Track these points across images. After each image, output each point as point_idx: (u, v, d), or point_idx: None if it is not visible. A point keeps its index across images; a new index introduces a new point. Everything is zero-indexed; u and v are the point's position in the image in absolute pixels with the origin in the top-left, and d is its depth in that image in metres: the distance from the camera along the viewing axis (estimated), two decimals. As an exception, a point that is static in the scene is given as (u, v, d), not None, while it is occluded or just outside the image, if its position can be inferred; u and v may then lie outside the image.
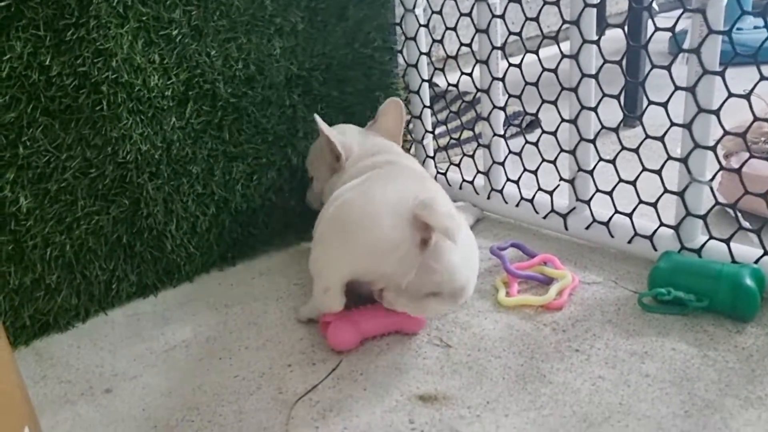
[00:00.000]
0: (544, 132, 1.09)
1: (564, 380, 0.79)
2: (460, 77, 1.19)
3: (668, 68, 0.90)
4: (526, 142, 1.13)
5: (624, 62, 0.98)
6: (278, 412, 0.78)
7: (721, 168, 0.91)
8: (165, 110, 1.05)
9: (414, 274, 0.79)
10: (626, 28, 0.97)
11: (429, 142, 1.33)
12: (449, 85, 1.22)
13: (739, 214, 0.94)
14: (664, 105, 0.92)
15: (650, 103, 0.93)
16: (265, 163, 1.17)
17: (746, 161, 0.88)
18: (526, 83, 1.07)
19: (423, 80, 1.28)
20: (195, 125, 1.09)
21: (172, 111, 1.06)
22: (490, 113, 1.16)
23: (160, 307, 1.04)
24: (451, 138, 1.37)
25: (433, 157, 1.33)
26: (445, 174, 1.30)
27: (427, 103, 1.30)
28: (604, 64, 0.97)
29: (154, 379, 0.87)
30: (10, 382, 0.56)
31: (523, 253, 1.06)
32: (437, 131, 1.35)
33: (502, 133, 1.17)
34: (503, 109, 1.15)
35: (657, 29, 0.90)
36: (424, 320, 0.90)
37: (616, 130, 1.00)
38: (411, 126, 1.34)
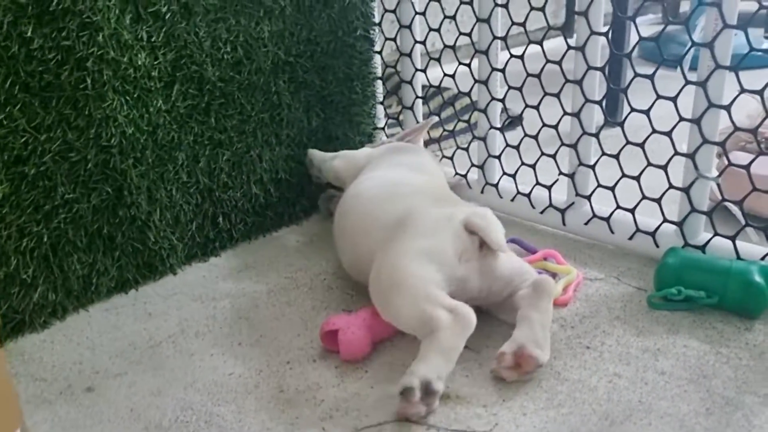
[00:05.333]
0: (544, 125, 1.07)
1: (579, 377, 0.76)
2: (456, 68, 1.16)
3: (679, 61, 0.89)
4: (525, 135, 1.11)
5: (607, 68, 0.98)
6: (281, 412, 0.73)
7: (729, 164, 0.90)
8: (151, 91, 0.98)
9: (482, 275, 0.81)
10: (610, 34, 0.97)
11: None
12: (445, 75, 1.19)
13: (741, 211, 0.93)
14: (673, 99, 0.90)
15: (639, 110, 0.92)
16: (249, 151, 1.12)
17: (754, 159, 0.87)
18: (528, 75, 1.05)
19: (417, 70, 1.24)
20: (181, 109, 1.03)
21: (159, 93, 1.00)
22: (487, 105, 1.13)
23: (141, 302, 0.97)
24: (444, 130, 1.33)
25: None
26: (436, 168, 1.26)
27: (420, 94, 1.27)
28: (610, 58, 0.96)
29: (140, 377, 0.81)
30: (3, 383, 0.50)
31: (522, 249, 1.04)
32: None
33: (498, 125, 1.15)
34: (502, 101, 1.13)
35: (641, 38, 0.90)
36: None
37: (621, 124, 0.98)
38: (401, 117, 1.30)
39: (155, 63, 0.98)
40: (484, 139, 1.16)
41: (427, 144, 1.29)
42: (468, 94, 1.18)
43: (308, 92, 1.19)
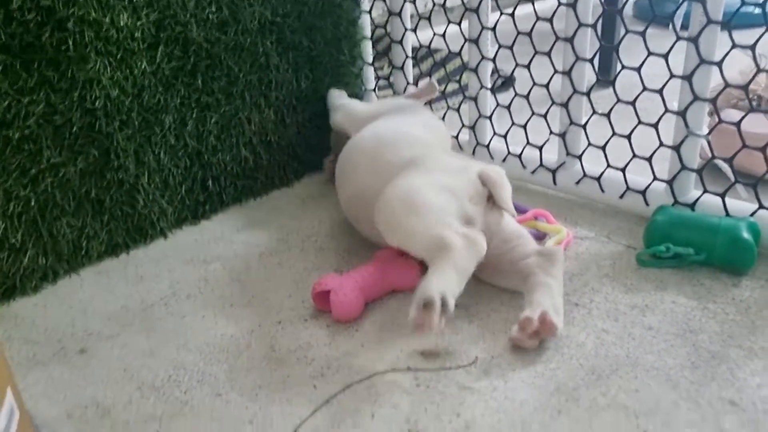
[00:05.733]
0: (535, 84, 1.06)
1: (568, 334, 0.77)
2: (446, 27, 1.15)
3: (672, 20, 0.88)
4: (516, 94, 1.10)
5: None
6: (272, 371, 0.74)
7: (720, 121, 0.90)
8: (135, 53, 0.97)
9: (486, 223, 0.82)
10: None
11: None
12: (435, 35, 1.17)
13: (731, 168, 0.93)
14: (665, 56, 0.89)
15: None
16: (237, 113, 1.11)
17: (744, 116, 0.87)
18: (519, 33, 1.04)
19: (407, 29, 1.22)
20: (166, 71, 1.01)
21: (143, 54, 0.98)
22: (477, 65, 1.12)
23: (132, 265, 0.97)
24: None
25: None
26: (427, 129, 1.25)
27: (410, 54, 1.25)
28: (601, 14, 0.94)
29: (133, 339, 0.81)
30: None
31: (513, 209, 1.04)
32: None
33: (489, 85, 1.13)
34: (493, 60, 1.12)
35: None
36: (417, 273, 0.86)
37: (612, 83, 0.97)
38: (392, 79, 1.29)
39: (138, 24, 0.96)
40: (475, 100, 1.15)
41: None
42: (459, 55, 1.16)
43: (296, 53, 1.17)
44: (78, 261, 0.98)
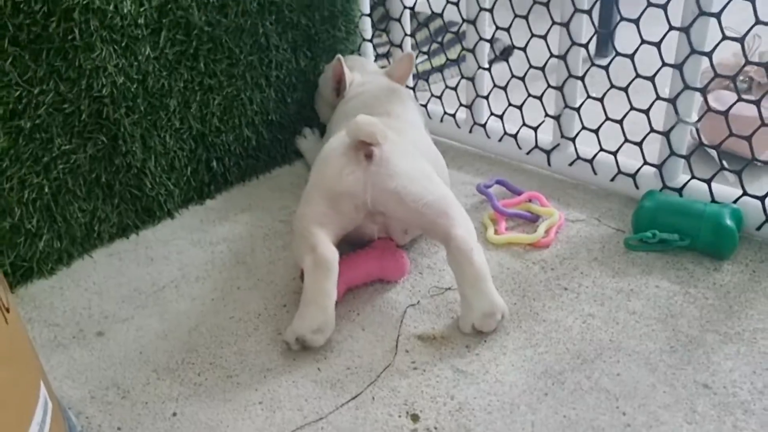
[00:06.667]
0: (531, 67, 1.08)
1: (556, 318, 0.82)
2: (445, 6, 1.16)
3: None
4: (512, 76, 1.12)
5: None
6: (279, 354, 0.79)
7: (709, 109, 0.93)
8: (139, 39, 0.99)
9: (372, 186, 0.82)
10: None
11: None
12: (432, 13, 1.18)
13: (718, 155, 0.96)
14: (657, 45, 0.92)
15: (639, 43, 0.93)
16: (239, 94, 1.14)
17: (732, 105, 0.89)
18: (516, 16, 1.05)
19: (405, 7, 1.23)
20: (170, 56, 1.03)
21: (147, 40, 1.00)
22: (475, 45, 1.14)
23: (142, 246, 1.01)
24: (432, 68, 1.34)
25: (413, 88, 1.31)
26: (425, 106, 1.28)
27: (408, 32, 1.26)
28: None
29: (146, 321, 0.86)
30: (25, 339, 0.55)
31: (507, 190, 1.07)
32: (419, 60, 1.32)
33: (486, 65, 1.16)
34: (490, 41, 1.13)
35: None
36: (405, 268, 0.90)
37: (606, 68, 1.00)
38: (390, 54, 1.30)
39: (141, 10, 0.98)
40: (472, 80, 1.17)
41: (415, 78, 1.29)
42: (457, 33, 1.18)
43: (295, 32, 1.19)
44: (90, 243, 1.03)
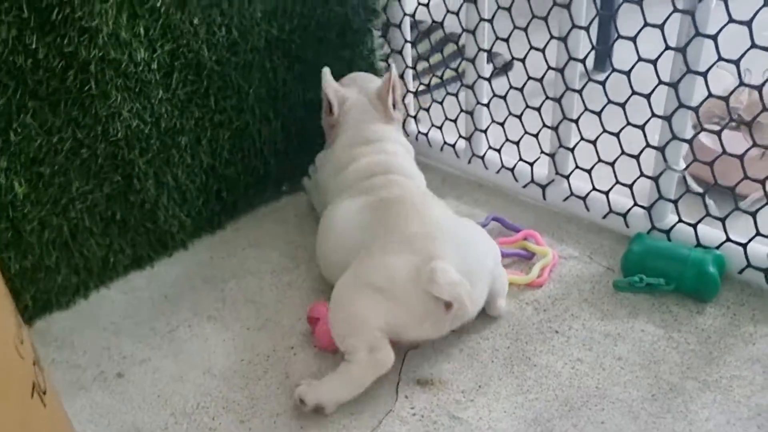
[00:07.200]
0: (528, 107, 1.12)
1: (546, 363, 0.88)
2: (445, 15, 1.18)
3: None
4: (510, 114, 1.16)
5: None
6: (287, 398, 0.85)
7: (695, 160, 0.97)
8: (152, 83, 1.03)
9: (450, 323, 0.87)
10: None
11: (410, 101, 1.34)
12: (433, 22, 1.21)
13: (703, 195, 1.00)
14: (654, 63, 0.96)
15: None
16: (248, 127, 1.18)
17: (719, 156, 0.93)
18: (515, 27, 1.07)
19: (405, 14, 1.25)
20: (181, 96, 1.08)
21: (159, 83, 1.04)
22: (475, 56, 1.15)
23: (156, 283, 1.07)
24: (433, 75, 1.35)
25: (415, 93, 1.34)
26: (426, 135, 1.32)
27: (409, 38, 1.28)
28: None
29: (162, 363, 0.92)
30: (63, 419, 0.60)
31: (503, 227, 1.12)
32: (419, 68, 1.33)
33: (486, 75, 1.17)
34: (488, 52, 1.15)
35: None
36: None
37: (599, 114, 1.04)
38: (391, 60, 1.32)
39: (153, 56, 1.02)
40: (471, 114, 1.21)
41: (417, 93, 1.32)
42: (456, 42, 1.20)
43: (302, 66, 1.23)
44: (106, 275, 1.08)
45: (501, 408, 0.82)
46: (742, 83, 0.91)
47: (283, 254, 1.11)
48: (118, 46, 0.97)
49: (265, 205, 1.24)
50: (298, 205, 1.24)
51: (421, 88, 1.33)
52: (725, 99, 0.93)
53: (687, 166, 1.00)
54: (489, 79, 1.18)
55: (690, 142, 0.96)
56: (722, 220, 0.97)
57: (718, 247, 0.97)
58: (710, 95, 0.92)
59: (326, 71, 1.12)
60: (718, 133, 0.92)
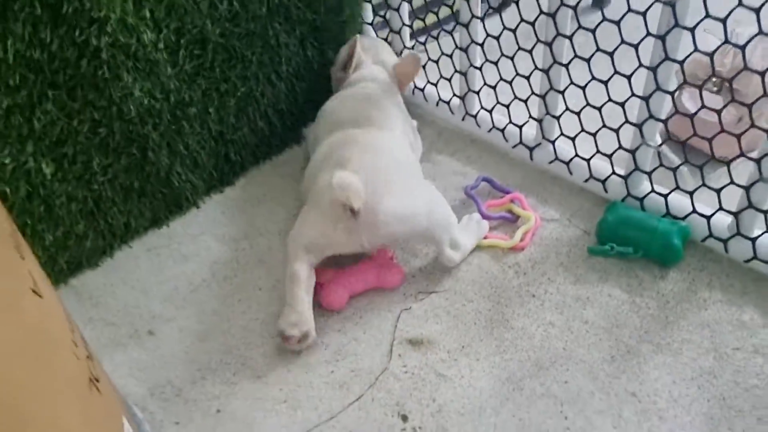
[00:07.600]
0: (517, 75, 1.18)
1: (522, 325, 1.00)
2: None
3: None
4: (501, 79, 1.22)
5: None
6: (297, 356, 0.98)
7: (677, 112, 1.04)
8: (160, 62, 1.09)
9: (364, 234, 0.97)
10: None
11: (406, 35, 1.39)
12: None
13: (683, 149, 1.08)
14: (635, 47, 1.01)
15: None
16: (252, 92, 1.25)
17: (699, 110, 1.00)
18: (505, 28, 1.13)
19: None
20: (188, 70, 1.14)
21: (167, 61, 1.10)
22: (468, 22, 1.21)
23: (175, 242, 1.18)
24: (429, 11, 1.38)
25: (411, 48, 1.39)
26: (423, 90, 1.38)
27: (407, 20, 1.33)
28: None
29: (187, 322, 1.05)
30: (115, 402, 0.72)
31: (492, 188, 1.21)
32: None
33: (478, 65, 1.24)
34: (482, 19, 1.20)
35: None
36: (400, 279, 1.06)
37: (583, 88, 1.10)
38: (388, 16, 1.36)
39: (160, 36, 1.07)
40: (465, 74, 1.27)
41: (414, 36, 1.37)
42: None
43: (302, 27, 1.27)
44: (128, 235, 1.19)
45: (480, 367, 0.95)
46: (727, 41, 0.94)
47: (290, 212, 1.21)
48: (126, 31, 1.02)
49: (270, 159, 1.33)
50: (301, 157, 1.32)
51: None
52: (710, 55, 0.96)
53: (663, 142, 1.07)
54: (482, 19, 1.21)
55: (672, 94, 1.01)
56: (690, 194, 1.06)
57: (684, 218, 1.07)
58: (696, 50, 0.95)
59: (358, 38, 1.24)
60: (700, 88, 0.98)
